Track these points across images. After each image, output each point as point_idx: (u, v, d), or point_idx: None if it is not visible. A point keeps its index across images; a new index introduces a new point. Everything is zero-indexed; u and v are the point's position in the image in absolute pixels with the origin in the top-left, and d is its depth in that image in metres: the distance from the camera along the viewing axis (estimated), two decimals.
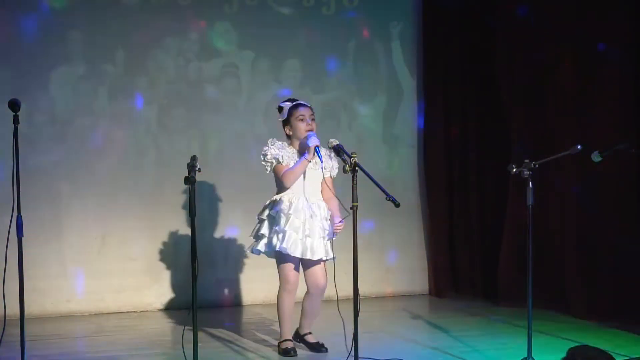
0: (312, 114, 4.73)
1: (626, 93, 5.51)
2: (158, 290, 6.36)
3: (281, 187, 4.68)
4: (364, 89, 6.81)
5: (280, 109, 4.78)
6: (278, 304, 4.76)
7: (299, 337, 4.91)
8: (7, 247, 4.16)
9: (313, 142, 4.52)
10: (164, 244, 6.33)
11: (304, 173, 4.62)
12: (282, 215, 4.58)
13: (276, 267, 6.53)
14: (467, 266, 6.88)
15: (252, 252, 4.77)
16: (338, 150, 4.39)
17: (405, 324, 5.69)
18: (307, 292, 4.78)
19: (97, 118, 6.26)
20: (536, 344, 4.35)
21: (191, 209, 3.87)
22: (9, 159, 3.86)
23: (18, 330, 3.94)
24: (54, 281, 6.12)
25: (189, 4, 6.40)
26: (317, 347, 4.80)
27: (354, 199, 3.93)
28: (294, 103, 4.75)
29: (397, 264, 6.86)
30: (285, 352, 4.70)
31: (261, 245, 4.66)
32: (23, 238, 3.95)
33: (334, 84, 6.67)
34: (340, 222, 4.63)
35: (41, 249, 6.01)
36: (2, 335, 4.15)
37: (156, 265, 6.35)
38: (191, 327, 3.95)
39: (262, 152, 4.69)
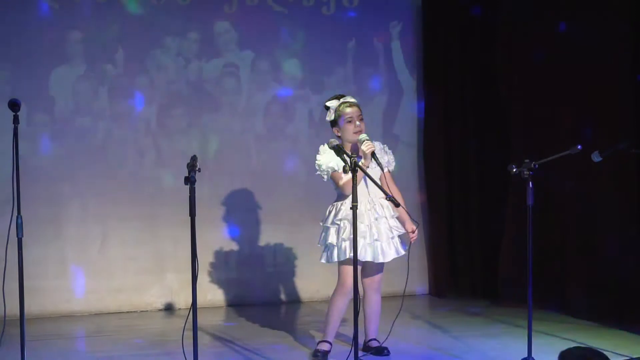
0: (360, 114, 4.60)
1: (626, 93, 5.50)
2: (158, 290, 6.36)
3: (341, 194, 4.57)
4: (364, 89, 6.81)
5: (327, 108, 4.64)
6: (331, 305, 4.64)
7: (365, 346, 4.80)
8: (7, 247, 4.16)
9: (368, 147, 4.38)
10: (164, 244, 6.33)
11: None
12: (346, 222, 4.48)
13: (276, 267, 6.58)
14: (467, 266, 6.87)
15: (327, 262, 4.62)
16: (338, 150, 4.38)
17: (405, 324, 5.68)
18: (365, 295, 4.70)
19: (97, 118, 6.26)
20: (536, 344, 4.35)
21: (191, 209, 3.87)
22: (9, 159, 3.86)
23: (18, 330, 3.94)
24: (54, 281, 6.12)
25: (189, 4, 6.40)
26: (380, 350, 4.73)
27: (354, 199, 3.92)
28: (341, 101, 4.60)
29: (397, 264, 6.84)
30: (315, 353, 4.63)
31: (335, 255, 4.53)
32: (23, 238, 3.95)
33: (334, 84, 6.66)
34: (413, 232, 4.59)
35: (41, 249, 6.01)
36: (2, 335, 4.15)
37: (156, 265, 6.35)
38: (191, 327, 3.95)
39: (316, 162, 4.58)
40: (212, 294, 6.42)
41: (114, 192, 6.25)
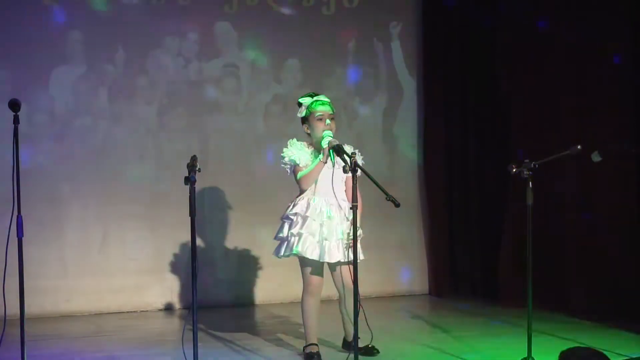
0: (332, 113, 4.59)
1: (626, 93, 5.51)
2: (158, 290, 6.37)
3: (301, 189, 4.58)
4: (364, 89, 6.81)
5: (300, 104, 4.62)
6: (302, 308, 4.63)
7: (347, 345, 4.74)
8: (7, 247, 4.16)
9: (326, 143, 4.39)
10: (164, 243, 6.34)
11: (322, 174, 4.49)
12: (299, 217, 4.50)
13: (275, 267, 6.57)
14: (467, 266, 6.88)
15: (277, 255, 4.64)
16: (338, 150, 4.38)
17: (405, 324, 5.68)
18: (339, 296, 4.69)
19: (97, 118, 6.27)
20: (536, 344, 4.34)
21: (191, 209, 3.87)
22: (9, 159, 3.86)
23: (18, 330, 3.94)
24: (54, 281, 6.12)
25: (189, 4, 6.41)
26: (369, 351, 4.68)
27: (354, 199, 3.93)
28: (314, 99, 4.59)
29: (397, 264, 6.87)
30: (308, 357, 4.59)
31: (283, 249, 4.57)
32: (23, 238, 3.94)
33: (334, 84, 6.67)
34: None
35: (41, 249, 6.02)
36: (2, 335, 4.15)
37: (156, 265, 6.35)
38: (191, 327, 3.95)
39: (281, 154, 4.58)
40: (212, 294, 6.42)
41: (114, 192, 6.25)
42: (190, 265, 3.88)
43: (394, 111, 6.89)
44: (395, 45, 6.87)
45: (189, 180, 3.87)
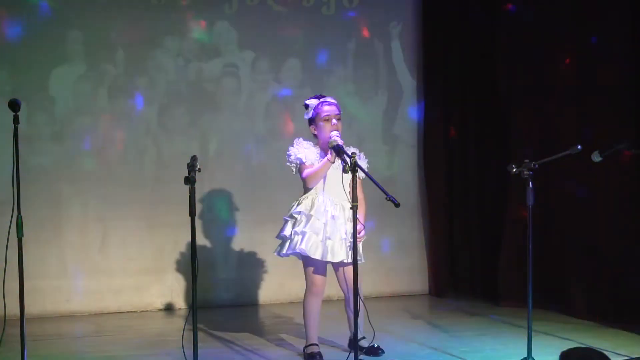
0: (339, 114, 4.60)
1: (626, 93, 5.51)
2: (158, 290, 6.37)
3: (306, 188, 4.59)
4: (364, 89, 6.81)
5: (306, 106, 4.65)
6: (304, 307, 4.63)
7: (352, 345, 4.70)
8: (7, 247, 4.16)
9: (335, 142, 4.38)
10: (164, 244, 6.34)
11: (328, 173, 4.51)
12: (303, 216, 4.49)
13: (275, 267, 6.58)
14: (467, 266, 6.88)
15: (278, 254, 4.64)
16: (338, 151, 4.37)
17: (405, 324, 5.69)
18: (345, 297, 4.69)
19: (97, 118, 6.27)
20: (536, 344, 4.35)
21: (191, 209, 3.88)
22: (9, 159, 3.86)
23: (18, 330, 3.94)
24: (54, 281, 6.13)
25: (189, 4, 6.41)
26: (374, 351, 4.67)
27: (354, 199, 3.93)
28: (321, 101, 4.62)
29: (397, 264, 6.87)
30: (310, 357, 4.59)
31: (284, 248, 4.56)
32: (23, 238, 3.95)
33: (334, 84, 6.67)
34: (359, 233, 4.49)
35: (41, 249, 6.02)
36: (2, 335, 4.15)
37: (156, 265, 6.35)
38: (191, 327, 3.95)
39: (287, 153, 4.58)
40: (212, 294, 6.42)
41: (114, 192, 6.25)
42: (190, 265, 3.88)
43: (394, 111, 6.89)
44: (395, 45, 6.87)
45: (189, 180, 3.87)
